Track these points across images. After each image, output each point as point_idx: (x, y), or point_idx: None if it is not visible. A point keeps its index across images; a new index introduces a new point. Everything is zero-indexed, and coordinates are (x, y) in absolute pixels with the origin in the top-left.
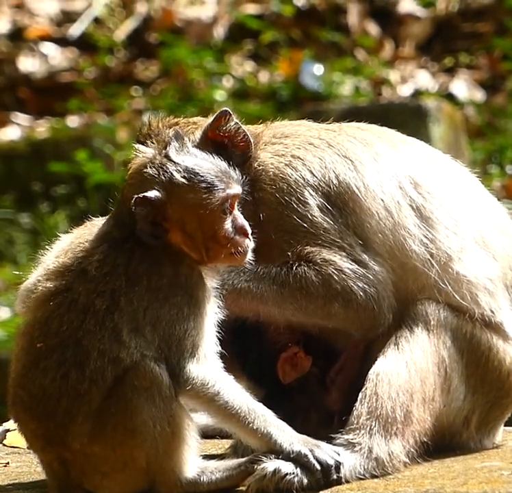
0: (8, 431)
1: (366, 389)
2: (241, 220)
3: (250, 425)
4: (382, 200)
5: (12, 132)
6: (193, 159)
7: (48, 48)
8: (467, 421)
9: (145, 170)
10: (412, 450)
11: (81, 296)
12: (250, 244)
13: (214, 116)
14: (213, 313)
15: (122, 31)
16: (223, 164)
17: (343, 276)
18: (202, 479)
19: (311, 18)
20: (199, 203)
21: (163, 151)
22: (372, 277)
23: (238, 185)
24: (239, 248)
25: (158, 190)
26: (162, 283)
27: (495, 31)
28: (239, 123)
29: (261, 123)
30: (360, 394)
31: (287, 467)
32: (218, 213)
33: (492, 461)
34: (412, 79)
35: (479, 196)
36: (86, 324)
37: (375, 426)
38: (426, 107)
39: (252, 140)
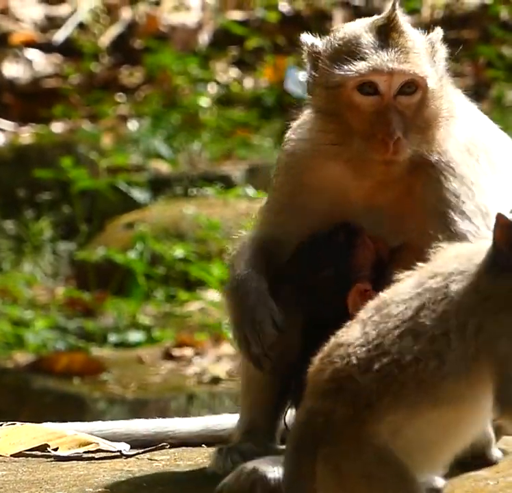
0: None
1: None
2: None
3: None
4: None
5: None
6: None
7: (33, 53)
8: None
9: None
10: None
11: None
12: None
13: None
14: None
15: (107, 37)
16: None
17: None
18: None
19: (296, 24)
20: None
21: None
22: None
23: None
24: None
25: None
26: None
27: (479, 38)
28: None
29: None
30: None
31: None
32: None
33: (477, 470)
34: None
35: None
36: None
37: None
38: None
39: None
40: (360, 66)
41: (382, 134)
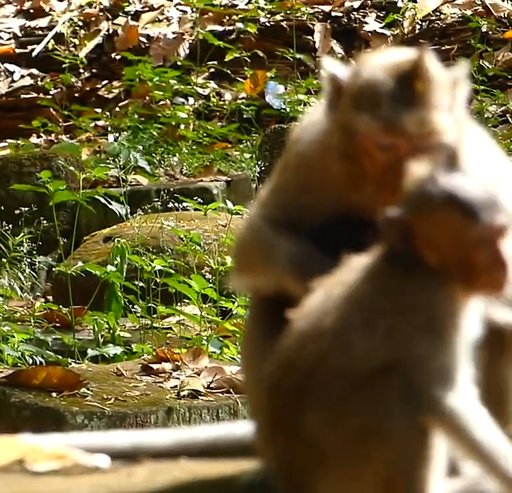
0: None
1: None
2: (501, 253)
3: (499, 466)
4: None
5: None
6: (457, 180)
7: (11, 66)
8: None
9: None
10: None
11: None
12: (507, 277)
13: None
14: (463, 339)
15: (86, 49)
16: (490, 190)
17: None
18: None
19: (276, 36)
20: (454, 229)
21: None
22: None
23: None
24: (493, 281)
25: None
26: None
27: (460, 50)
28: None
29: None
30: None
31: None
32: (474, 243)
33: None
34: None
35: None
36: None
37: None
38: None
39: None
40: (378, 126)
41: (393, 185)
